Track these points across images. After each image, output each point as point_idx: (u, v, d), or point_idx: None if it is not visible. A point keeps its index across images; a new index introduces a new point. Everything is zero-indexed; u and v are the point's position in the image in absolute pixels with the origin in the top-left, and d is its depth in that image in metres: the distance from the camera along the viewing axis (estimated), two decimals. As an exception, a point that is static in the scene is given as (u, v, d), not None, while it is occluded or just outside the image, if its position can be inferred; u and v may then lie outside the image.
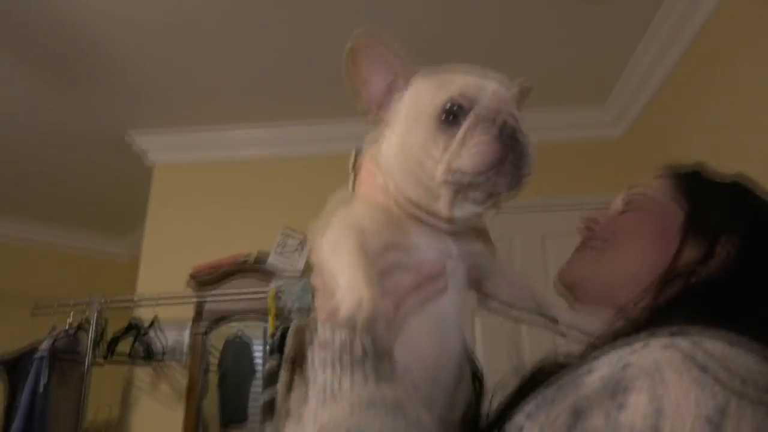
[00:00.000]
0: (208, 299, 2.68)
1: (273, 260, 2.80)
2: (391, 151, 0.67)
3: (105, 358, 2.53)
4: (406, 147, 0.65)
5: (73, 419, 2.47)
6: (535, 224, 2.79)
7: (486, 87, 0.63)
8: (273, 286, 2.41)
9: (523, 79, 0.67)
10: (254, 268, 2.78)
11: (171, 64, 2.60)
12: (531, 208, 2.71)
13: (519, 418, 0.51)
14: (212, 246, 2.92)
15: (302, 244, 2.83)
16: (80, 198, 4.11)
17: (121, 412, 2.84)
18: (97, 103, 2.92)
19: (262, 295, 2.44)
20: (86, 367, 2.49)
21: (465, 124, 0.61)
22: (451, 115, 0.62)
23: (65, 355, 2.50)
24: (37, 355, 2.37)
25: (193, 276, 2.75)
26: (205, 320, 2.75)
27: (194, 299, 2.62)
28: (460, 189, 0.61)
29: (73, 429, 2.45)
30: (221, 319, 2.78)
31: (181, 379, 2.80)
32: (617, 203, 0.81)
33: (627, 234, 0.75)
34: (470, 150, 0.59)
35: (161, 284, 2.82)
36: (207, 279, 2.75)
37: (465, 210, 0.63)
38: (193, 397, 2.68)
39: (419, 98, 0.66)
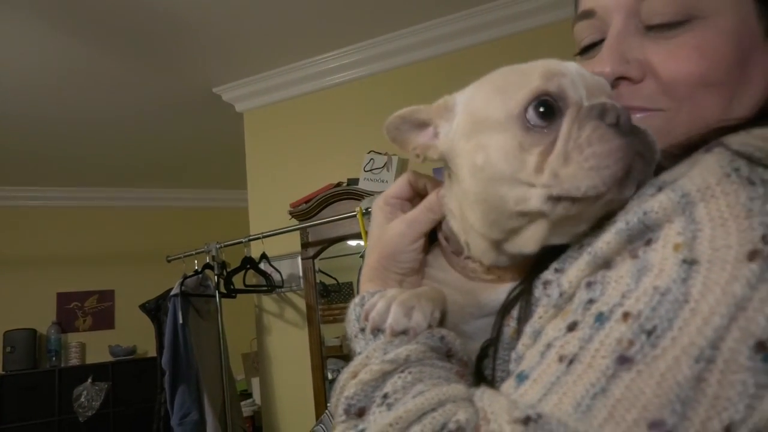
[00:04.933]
0: (309, 229, 2.83)
1: (363, 182, 2.87)
2: (459, 189, 0.54)
3: (229, 291, 2.81)
4: (480, 170, 0.50)
5: (217, 346, 2.80)
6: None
7: (568, 69, 0.49)
8: (360, 206, 2.48)
9: None
10: (349, 192, 2.87)
11: (238, 17, 2.66)
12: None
13: (546, 273, 0.49)
14: (310, 178, 3.05)
15: (389, 162, 2.87)
16: (193, 161, 4.53)
17: (258, 337, 3.17)
18: (180, 70, 3.11)
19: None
20: (218, 300, 2.79)
21: (565, 124, 0.46)
22: (540, 115, 0.47)
23: (196, 292, 2.84)
24: (171, 295, 2.71)
25: (292, 210, 2.91)
26: (311, 248, 2.92)
27: (291, 230, 2.78)
28: (561, 219, 0.47)
29: (218, 354, 2.79)
30: (327, 245, 2.94)
31: (301, 304, 3.04)
32: (628, 17, 0.53)
33: (699, 86, 0.50)
34: (583, 162, 0.44)
35: (270, 222, 3.03)
36: (305, 210, 2.89)
37: (562, 237, 0.49)
38: (313, 318, 2.89)
39: (479, 105, 0.52)
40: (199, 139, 4.09)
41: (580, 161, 0.44)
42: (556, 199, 0.45)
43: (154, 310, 2.84)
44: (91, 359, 4.68)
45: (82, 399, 4.29)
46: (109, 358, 4.62)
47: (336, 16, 2.78)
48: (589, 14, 0.57)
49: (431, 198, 0.58)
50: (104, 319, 4.90)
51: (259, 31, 2.83)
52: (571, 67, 0.49)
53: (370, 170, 2.86)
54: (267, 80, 3.30)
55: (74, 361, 4.60)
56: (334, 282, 3.11)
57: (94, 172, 4.57)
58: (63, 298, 4.79)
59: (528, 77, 0.49)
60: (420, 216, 0.58)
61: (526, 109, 0.47)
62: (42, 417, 4.18)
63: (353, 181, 2.88)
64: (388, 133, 0.58)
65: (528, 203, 0.46)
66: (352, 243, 2.91)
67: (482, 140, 0.50)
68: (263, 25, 2.77)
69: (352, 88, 3.18)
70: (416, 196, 0.62)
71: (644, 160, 0.44)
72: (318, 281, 2.97)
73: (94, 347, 4.72)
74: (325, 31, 2.93)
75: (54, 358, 4.50)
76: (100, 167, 4.46)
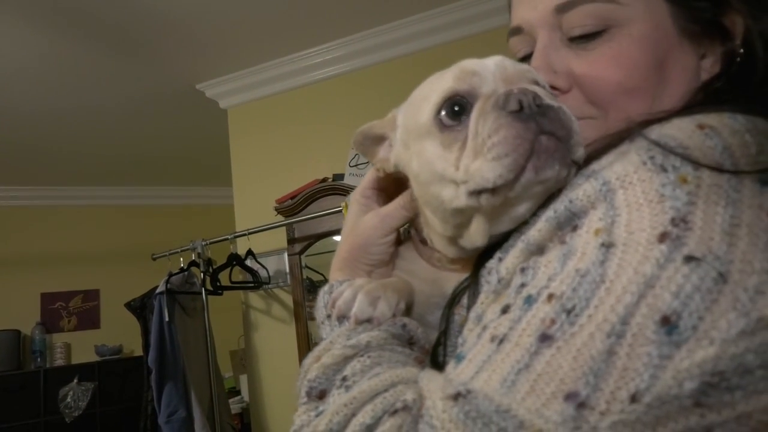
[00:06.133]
0: (295, 225, 2.83)
1: (349, 178, 2.87)
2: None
3: (216, 288, 2.80)
4: (417, 176, 0.54)
5: (204, 344, 2.79)
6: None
7: (485, 64, 0.52)
8: (346, 201, 2.48)
9: None
10: (335, 187, 2.87)
11: (221, 13, 2.64)
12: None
13: (491, 262, 0.51)
14: (296, 174, 3.05)
15: (374, 157, 2.87)
16: (178, 158, 4.50)
17: (245, 334, 3.17)
18: (163, 66, 3.08)
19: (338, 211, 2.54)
20: (204, 297, 2.78)
21: (472, 119, 0.48)
22: (452, 114, 0.49)
23: (182, 290, 2.83)
24: (156, 293, 2.70)
25: (277, 206, 2.90)
26: (297, 244, 2.92)
27: (277, 226, 2.78)
28: (494, 209, 0.48)
29: (205, 352, 2.78)
30: (313, 240, 2.94)
31: (288, 300, 3.04)
32: (551, 31, 0.56)
33: (620, 93, 0.53)
34: (487, 153, 0.45)
35: (256, 219, 3.02)
36: (291, 206, 2.88)
37: (505, 225, 0.50)
38: (300, 314, 2.89)
39: (410, 114, 0.56)
40: (183, 136, 4.06)
41: (484, 153, 0.45)
42: (476, 193, 0.47)
43: (140, 308, 2.83)
44: (76, 359, 4.63)
45: (69, 399, 4.25)
46: (95, 358, 4.58)
47: (319, 12, 2.78)
48: (517, 30, 0.60)
49: (405, 196, 0.60)
50: (89, 319, 4.85)
51: (243, 27, 2.82)
52: (490, 61, 0.52)
53: (355, 165, 2.85)
54: (251, 76, 3.28)
55: (60, 362, 4.55)
56: (321, 278, 3.11)
57: (77, 170, 4.52)
58: (47, 299, 4.74)
59: (443, 80, 0.52)
60: (393, 212, 0.60)
61: (440, 111, 0.50)
62: (28, 418, 4.14)
63: (339, 177, 2.88)
64: (357, 149, 0.63)
65: (458, 200, 0.48)
66: (339, 238, 2.89)
67: (416, 147, 0.53)
68: (246, 20, 2.76)
69: (337, 83, 3.18)
70: (394, 182, 0.64)
71: (556, 138, 0.45)
72: (305, 277, 2.97)
73: (80, 347, 4.68)
74: (309, 27, 2.92)
75: (39, 359, 4.45)
76: (83, 165, 4.40)
